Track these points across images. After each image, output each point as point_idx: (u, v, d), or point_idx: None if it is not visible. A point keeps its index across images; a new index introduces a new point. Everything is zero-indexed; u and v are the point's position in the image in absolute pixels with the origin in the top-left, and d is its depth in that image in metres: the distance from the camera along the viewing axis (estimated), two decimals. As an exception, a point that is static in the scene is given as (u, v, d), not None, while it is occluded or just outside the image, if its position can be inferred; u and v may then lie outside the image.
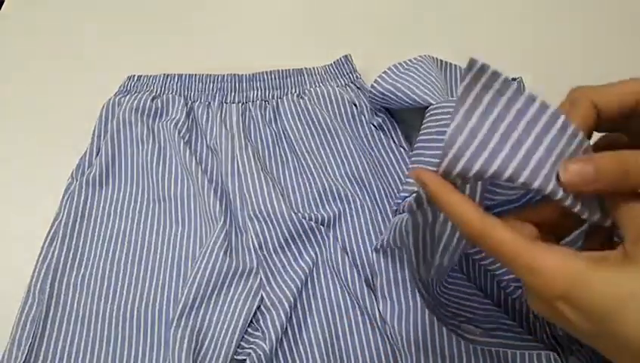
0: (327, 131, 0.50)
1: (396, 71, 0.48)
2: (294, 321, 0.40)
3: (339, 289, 0.41)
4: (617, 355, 0.20)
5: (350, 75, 0.54)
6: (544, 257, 0.21)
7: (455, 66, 0.52)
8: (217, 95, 0.53)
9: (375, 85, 0.48)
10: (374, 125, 0.51)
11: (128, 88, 0.53)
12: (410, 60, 0.48)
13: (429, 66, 0.47)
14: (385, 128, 0.51)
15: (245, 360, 0.39)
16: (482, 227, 0.22)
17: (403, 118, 0.51)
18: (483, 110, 0.22)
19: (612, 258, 0.21)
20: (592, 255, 0.22)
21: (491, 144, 0.22)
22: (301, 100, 0.52)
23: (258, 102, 0.52)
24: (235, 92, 0.53)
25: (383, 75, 0.48)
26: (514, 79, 0.47)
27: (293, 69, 0.54)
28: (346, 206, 0.45)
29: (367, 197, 0.45)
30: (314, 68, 0.54)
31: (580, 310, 0.20)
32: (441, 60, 0.52)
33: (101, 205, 0.47)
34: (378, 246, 0.40)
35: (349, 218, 0.45)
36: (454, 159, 0.22)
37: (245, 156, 0.48)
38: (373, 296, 0.40)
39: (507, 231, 0.21)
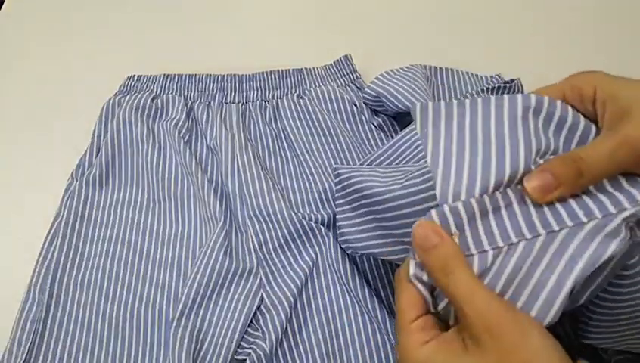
0: (327, 131, 0.50)
1: (387, 77, 0.49)
2: (294, 321, 0.40)
3: (339, 289, 0.41)
4: None
5: (350, 75, 0.54)
6: (410, 343, 0.23)
7: (452, 69, 0.53)
8: (217, 95, 0.53)
9: (368, 89, 0.50)
10: (374, 125, 0.51)
11: (128, 88, 0.53)
12: (402, 68, 0.50)
13: (418, 74, 0.49)
14: (385, 128, 0.51)
15: (245, 360, 0.39)
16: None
17: (403, 119, 0.51)
18: (444, 135, 0.24)
19: (454, 341, 0.23)
20: (442, 338, 0.23)
21: (466, 157, 0.24)
22: (301, 100, 0.52)
23: (258, 102, 0.52)
24: (235, 92, 0.53)
25: (376, 80, 0.50)
26: (512, 80, 0.47)
27: (293, 69, 0.54)
28: (346, 206, 0.45)
29: (367, 197, 0.45)
30: (314, 68, 0.54)
31: None
32: (435, 67, 0.52)
33: (101, 205, 0.47)
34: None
35: (349, 218, 0.45)
36: (444, 184, 0.24)
37: (245, 156, 0.48)
38: (373, 296, 0.40)
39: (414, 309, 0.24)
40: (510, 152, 0.24)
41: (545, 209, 0.23)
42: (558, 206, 0.23)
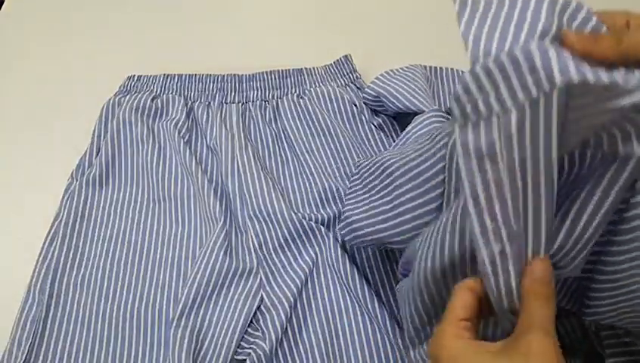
0: (327, 131, 0.50)
1: (387, 77, 0.49)
2: (294, 321, 0.40)
3: (339, 289, 0.41)
4: None
5: (350, 75, 0.54)
6: (453, 332, 0.25)
7: (451, 69, 0.53)
8: (217, 95, 0.53)
9: (368, 89, 0.50)
10: (374, 125, 0.51)
11: (128, 88, 0.53)
12: (401, 68, 0.50)
13: (418, 74, 0.49)
14: (385, 128, 0.51)
15: (245, 360, 0.39)
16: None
17: (403, 119, 0.51)
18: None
19: (492, 346, 0.24)
20: (478, 342, 0.25)
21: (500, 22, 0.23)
22: (301, 100, 0.52)
23: (258, 102, 0.52)
24: (235, 92, 0.53)
25: (376, 80, 0.50)
26: None
27: (293, 69, 0.54)
28: (346, 206, 0.45)
29: (367, 197, 0.45)
30: (314, 68, 0.54)
31: None
32: (435, 67, 0.52)
33: (101, 205, 0.47)
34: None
35: (349, 218, 0.45)
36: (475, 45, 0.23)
37: (245, 156, 0.48)
38: (374, 296, 0.40)
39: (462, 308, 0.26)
40: (542, 24, 0.23)
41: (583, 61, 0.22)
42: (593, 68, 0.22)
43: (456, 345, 0.25)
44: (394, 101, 0.47)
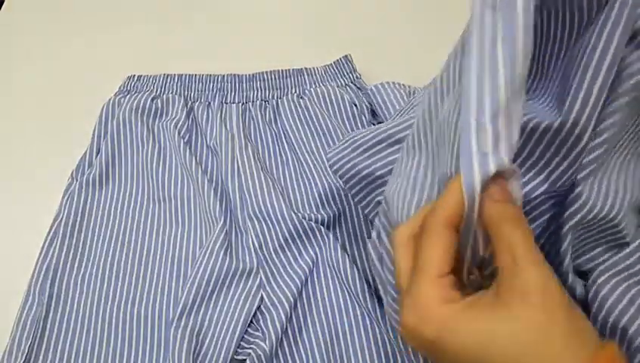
0: (327, 132, 0.50)
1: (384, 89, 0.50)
2: (294, 321, 0.40)
3: (339, 289, 0.41)
4: None
5: (350, 75, 0.54)
6: (437, 297, 0.21)
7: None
8: (217, 95, 0.53)
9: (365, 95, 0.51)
10: (374, 126, 0.50)
11: (129, 88, 0.53)
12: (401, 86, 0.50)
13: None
14: (385, 128, 0.51)
15: (245, 360, 0.39)
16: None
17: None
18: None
19: (483, 301, 0.21)
20: (467, 300, 0.21)
21: None
22: (301, 101, 0.52)
23: (258, 102, 0.52)
24: (235, 92, 0.53)
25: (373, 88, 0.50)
26: None
27: (293, 69, 0.54)
28: (346, 206, 0.45)
29: (367, 197, 0.45)
30: (314, 68, 0.54)
31: (449, 356, 0.20)
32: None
33: (101, 205, 0.47)
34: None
35: (349, 218, 0.45)
36: None
37: (245, 156, 0.48)
38: (374, 296, 0.40)
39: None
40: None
41: None
42: None
43: (443, 316, 0.20)
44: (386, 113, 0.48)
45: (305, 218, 0.44)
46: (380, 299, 0.41)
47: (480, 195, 0.21)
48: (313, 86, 0.53)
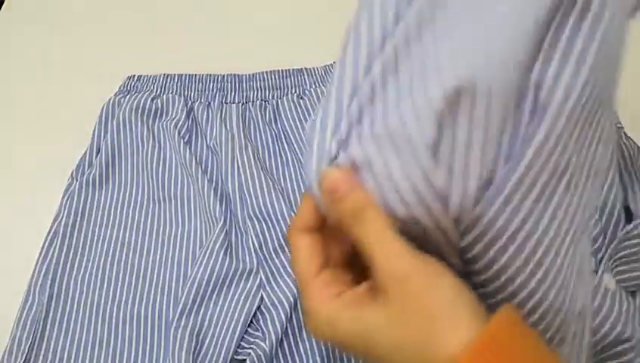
0: (327, 132, 0.50)
1: None
2: (294, 321, 0.40)
3: (339, 289, 0.41)
4: None
5: (350, 75, 0.54)
6: (317, 298, 0.22)
7: None
8: (217, 95, 0.53)
9: None
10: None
11: (128, 88, 0.53)
12: None
13: None
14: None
15: (245, 360, 0.39)
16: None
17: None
18: None
19: (362, 293, 0.22)
20: (351, 291, 0.23)
21: None
22: (301, 101, 0.52)
23: (258, 102, 0.52)
24: (235, 92, 0.53)
25: None
26: None
27: (293, 69, 0.54)
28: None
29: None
30: (314, 68, 0.54)
31: (343, 347, 0.22)
32: None
33: (101, 205, 0.47)
34: None
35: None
36: None
37: (245, 157, 0.48)
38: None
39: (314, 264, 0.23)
40: None
41: None
42: None
43: (331, 314, 0.22)
44: None
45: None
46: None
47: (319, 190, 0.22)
48: (313, 86, 0.53)
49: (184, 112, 0.51)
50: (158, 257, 0.44)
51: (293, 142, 0.50)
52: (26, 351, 0.39)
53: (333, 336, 0.22)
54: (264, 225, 0.44)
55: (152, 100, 0.52)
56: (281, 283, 0.42)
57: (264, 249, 0.43)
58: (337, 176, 0.22)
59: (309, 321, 0.23)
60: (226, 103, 0.52)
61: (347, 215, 0.22)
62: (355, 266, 0.24)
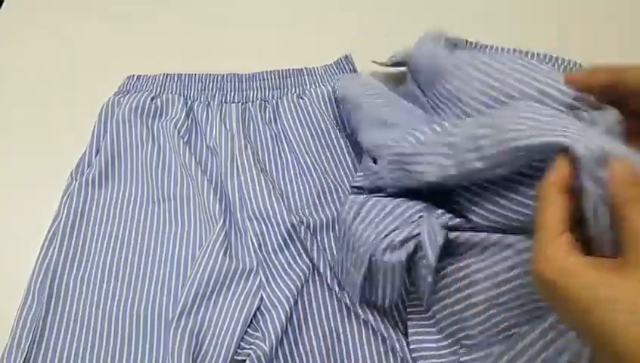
0: (326, 132, 0.50)
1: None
2: (294, 321, 0.40)
3: (339, 289, 0.41)
4: (593, 349, 0.22)
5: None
6: (564, 247, 0.23)
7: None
8: (217, 95, 0.53)
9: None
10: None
11: (128, 88, 0.53)
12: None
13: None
14: (385, 129, 0.51)
15: (245, 360, 0.39)
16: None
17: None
18: None
19: (608, 262, 0.23)
20: (594, 257, 0.23)
21: None
22: (301, 101, 0.52)
23: (258, 102, 0.52)
24: (235, 92, 0.53)
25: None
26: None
27: (293, 69, 0.54)
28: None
29: (367, 197, 0.45)
30: (314, 68, 0.54)
31: (566, 299, 0.22)
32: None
33: (101, 205, 0.47)
34: None
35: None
36: None
37: (245, 157, 0.48)
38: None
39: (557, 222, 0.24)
40: None
41: None
42: None
43: (571, 264, 0.22)
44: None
45: (304, 219, 0.44)
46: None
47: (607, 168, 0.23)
48: (313, 86, 0.53)
49: (184, 112, 0.51)
50: (158, 257, 0.44)
51: (293, 142, 0.50)
52: (26, 350, 0.39)
53: (562, 285, 0.22)
54: (263, 225, 0.44)
55: (152, 99, 0.52)
56: (281, 284, 0.42)
57: (263, 250, 0.43)
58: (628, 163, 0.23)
59: (540, 263, 0.23)
60: (226, 103, 0.52)
61: (630, 199, 0.22)
62: None
